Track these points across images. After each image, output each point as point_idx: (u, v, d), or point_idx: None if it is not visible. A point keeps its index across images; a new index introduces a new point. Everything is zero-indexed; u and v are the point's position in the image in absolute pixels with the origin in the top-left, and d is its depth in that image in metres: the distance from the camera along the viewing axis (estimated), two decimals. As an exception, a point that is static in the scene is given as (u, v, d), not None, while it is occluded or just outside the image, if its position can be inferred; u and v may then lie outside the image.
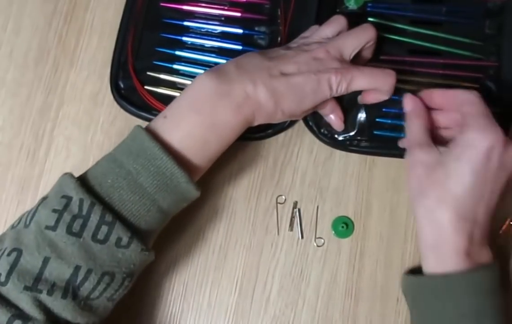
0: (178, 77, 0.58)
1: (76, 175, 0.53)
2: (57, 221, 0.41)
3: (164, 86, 0.58)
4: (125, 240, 0.42)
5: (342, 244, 0.55)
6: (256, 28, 0.59)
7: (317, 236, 0.55)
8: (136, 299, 0.53)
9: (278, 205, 0.56)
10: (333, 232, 0.55)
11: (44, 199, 0.44)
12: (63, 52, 0.61)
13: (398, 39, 0.58)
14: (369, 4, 0.59)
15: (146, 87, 0.58)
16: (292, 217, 0.56)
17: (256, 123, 0.49)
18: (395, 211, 0.56)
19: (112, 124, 0.59)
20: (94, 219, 0.41)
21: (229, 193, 0.57)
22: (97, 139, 0.58)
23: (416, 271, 0.49)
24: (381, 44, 0.57)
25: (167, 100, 0.57)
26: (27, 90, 0.60)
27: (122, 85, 0.58)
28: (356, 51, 0.52)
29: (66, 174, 0.44)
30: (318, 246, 0.55)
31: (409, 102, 0.52)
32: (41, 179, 0.57)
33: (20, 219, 0.44)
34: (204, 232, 0.56)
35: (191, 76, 0.58)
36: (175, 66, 0.59)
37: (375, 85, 0.51)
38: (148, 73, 0.58)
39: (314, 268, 0.54)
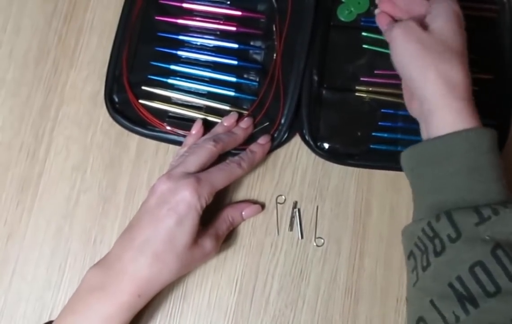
0: (172, 92, 0.58)
1: (76, 175, 0.54)
2: None
3: (159, 101, 0.58)
4: None
5: (342, 244, 0.55)
6: (252, 43, 0.59)
7: (317, 236, 0.55)
8: (136, 299, 0.53)
9: (278, 205, 0.56)
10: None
11: None
12: (63, 52, 0.61)
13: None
14: (363, 18, 0.59)
15: (140, 101, 0.58)
16: (292, 217, 0.56)
17: (149, 297, 0.49)
18: (395, 211, 0.56)
19: (111, 125, 0.58)
20: None
21: (229, 193, 0.57)
22: (97, 139, 0.58)
23: None
24: (375, 58, 0.58)
25: (161, 114, 0.57)
26: (27, 90, 0.60)
27: (116, 99, 0.58)
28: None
29: None
30: (318, 246, 0.55)
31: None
32: (41, 178, 0.57)
33: None
34: (204, 232, 0.56)
35: (186, 91, 0.58)
36: (170, 81, 0.58)
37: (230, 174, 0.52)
38: (143, 87, 0.58)
39: (314, 268, 0.54)
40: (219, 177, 0.50)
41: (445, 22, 0.48)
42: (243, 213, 0.55)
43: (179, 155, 0.54)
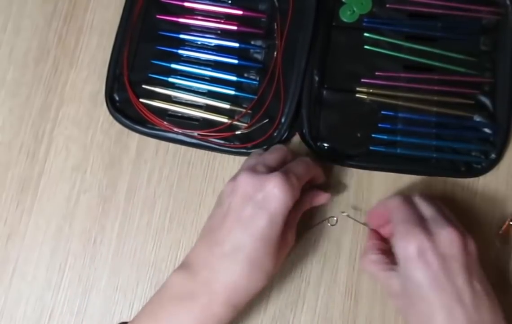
0: (173, 91, 0.58)
1: (76, 175, 0.53)
2: None
3: (160, 100, 0.58)
4: None
5: (342, 244, 0.55)
6: (253, 42, 0.59)
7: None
8: (135, 299, 0.53)
9: (278, 205, 0.56)
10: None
11: None
12: (63, 52, 0.61)
13: (393, 54, 0.58)
14: (365, 19, 0.59)
15: (141, 100, 0.58)
16: (292, 217, 0.56)
17: (243, 307, 0.45)
18: (395, 211, 0.55)
19: (112, 124, 0.58)
20: None
21: (229, 193, 0.56)
22: (97, 139, 0.58)
23: None
24: (377, 59, 0.58)
25: (162, 113, 0.57)
26: (27, 90, 0.60)
27: (117, 98, 0.58)
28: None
29: None
30: (318, 246, 0.55)
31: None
32: (41, 178, 0.58)
33: None
34: (204, 232, 0.56)
35: (187, 89, 0.58)
36: (171, 79, 0.58)
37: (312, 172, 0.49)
38: (144, 86, 0.58)
39: (314, 268, 0.54)
40: (301, 170, 0.47)
41: (407, 279, 0.44)
42: (313, 202, 0.51)
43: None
